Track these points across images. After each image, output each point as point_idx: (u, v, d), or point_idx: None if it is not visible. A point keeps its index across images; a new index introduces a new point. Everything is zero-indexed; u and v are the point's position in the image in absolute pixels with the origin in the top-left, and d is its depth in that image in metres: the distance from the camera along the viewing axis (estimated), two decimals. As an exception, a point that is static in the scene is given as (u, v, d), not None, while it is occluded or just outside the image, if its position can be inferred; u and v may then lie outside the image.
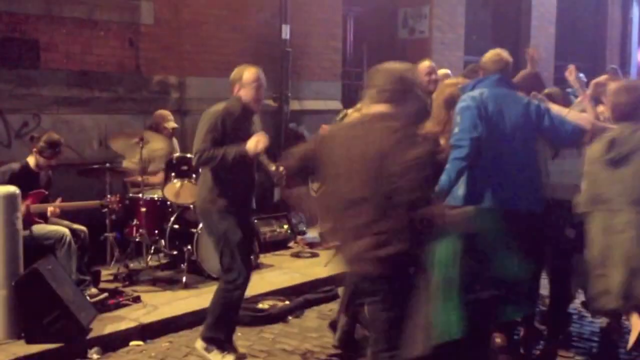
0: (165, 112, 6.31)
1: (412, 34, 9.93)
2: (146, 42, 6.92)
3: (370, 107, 3.01)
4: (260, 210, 7.18)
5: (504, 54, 4.03)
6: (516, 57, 12.19)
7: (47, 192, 5.03)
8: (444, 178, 3.61)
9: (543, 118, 3.82)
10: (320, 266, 6.16)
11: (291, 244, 7.01)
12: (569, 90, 5.35)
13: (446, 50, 9.89)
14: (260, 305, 5.10)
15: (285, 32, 7.75)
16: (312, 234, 7.21)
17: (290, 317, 5.08)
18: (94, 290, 4.97)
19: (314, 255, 6.61)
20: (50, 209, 4.98)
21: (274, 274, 5.97)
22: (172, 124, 6.23)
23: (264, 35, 7.71)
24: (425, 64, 5.20)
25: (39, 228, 4.86)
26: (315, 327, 4.94)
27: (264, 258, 6.39)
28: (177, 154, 5.99)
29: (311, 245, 6.90)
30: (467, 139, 3.65)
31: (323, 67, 8.45)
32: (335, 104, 8.59)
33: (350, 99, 8.94)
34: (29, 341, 4.21)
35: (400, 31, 10.05)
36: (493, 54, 4.03)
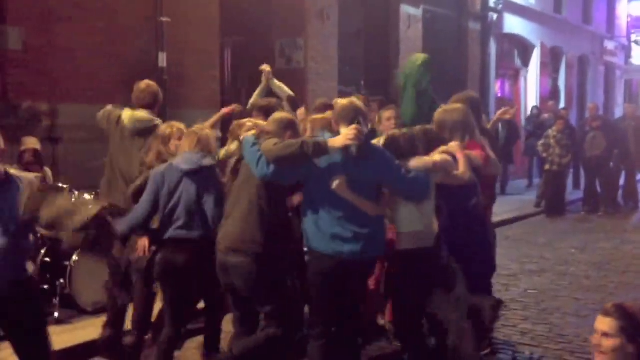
0: (25, 139, 6.01)
1: (289, 64, 10.21)
2: (14, 68, 6.68)
3: None
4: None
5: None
6: (387, 87, 12.70)
7: None
8: None
9: None
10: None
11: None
12: None
13: (321, 80, 10.26)
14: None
15: (162, 60, 7.73)
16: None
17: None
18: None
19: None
20: None
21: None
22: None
23: (140, 63, 7.63)
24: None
25: None
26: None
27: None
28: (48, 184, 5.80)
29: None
30: None
31: (201, 96, 8.48)
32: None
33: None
34: None
35: (278, 61, 10.30)
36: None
